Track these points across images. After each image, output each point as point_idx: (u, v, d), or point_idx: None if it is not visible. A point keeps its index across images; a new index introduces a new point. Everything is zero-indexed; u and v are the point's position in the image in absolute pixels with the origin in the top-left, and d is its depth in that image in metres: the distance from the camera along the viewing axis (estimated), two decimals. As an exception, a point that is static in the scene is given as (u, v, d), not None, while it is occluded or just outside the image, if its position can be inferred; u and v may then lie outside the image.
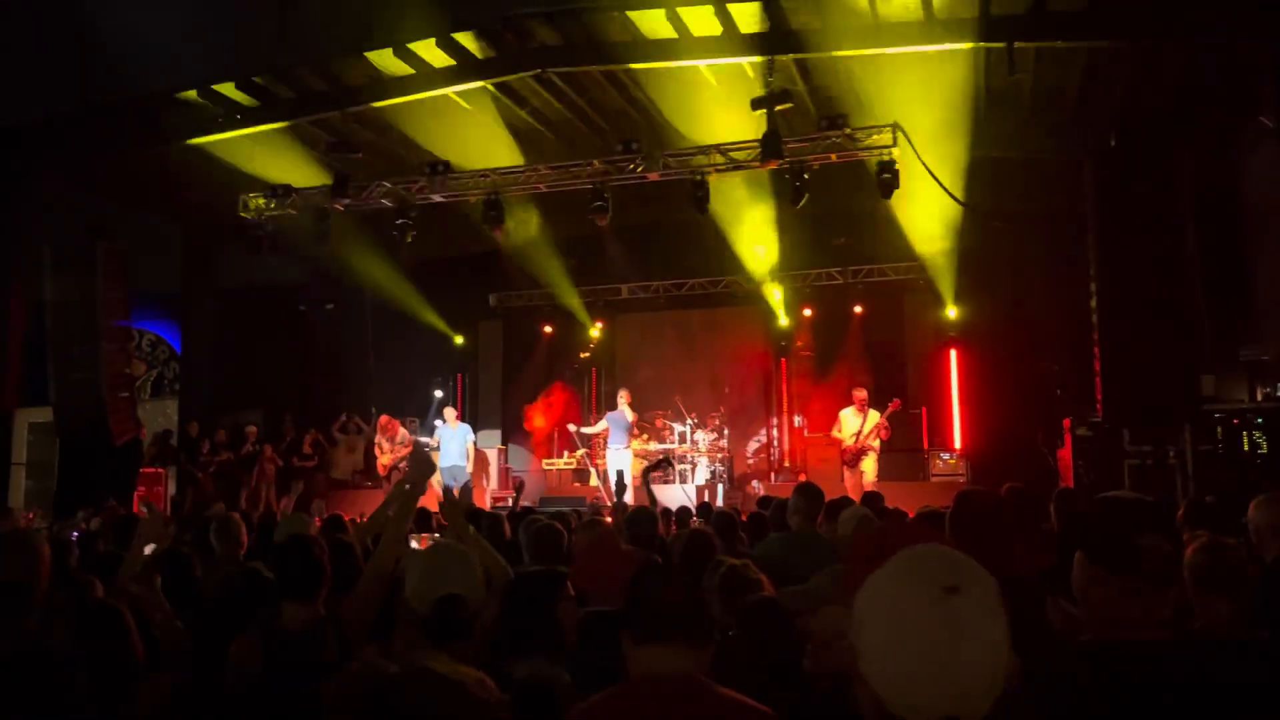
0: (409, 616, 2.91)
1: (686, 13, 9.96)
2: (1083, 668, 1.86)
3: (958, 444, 14.18)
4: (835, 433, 12.81)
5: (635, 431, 14.05)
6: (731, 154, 11.81)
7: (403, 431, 14.44)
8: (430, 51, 10.68)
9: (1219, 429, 9.74)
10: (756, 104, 10.57)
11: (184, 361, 16.14)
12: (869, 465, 12.36)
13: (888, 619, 1.35)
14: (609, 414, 14.23)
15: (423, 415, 16.91)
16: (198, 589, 4.20)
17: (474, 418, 17.81)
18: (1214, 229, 10.92)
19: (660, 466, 8.14)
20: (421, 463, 3.62)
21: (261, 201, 13.19)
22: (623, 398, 14.00)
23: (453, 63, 10.83)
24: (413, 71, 10.94)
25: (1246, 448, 9.64)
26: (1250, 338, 10.49)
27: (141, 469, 13.25)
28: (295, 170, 12.85)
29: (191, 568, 4.35)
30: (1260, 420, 9.71)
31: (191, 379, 15.78)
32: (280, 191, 12.99)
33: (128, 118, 11.88)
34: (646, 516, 4.93)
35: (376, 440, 14.48)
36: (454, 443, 13.60)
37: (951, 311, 14.30)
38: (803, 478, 13.06)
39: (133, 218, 12.86)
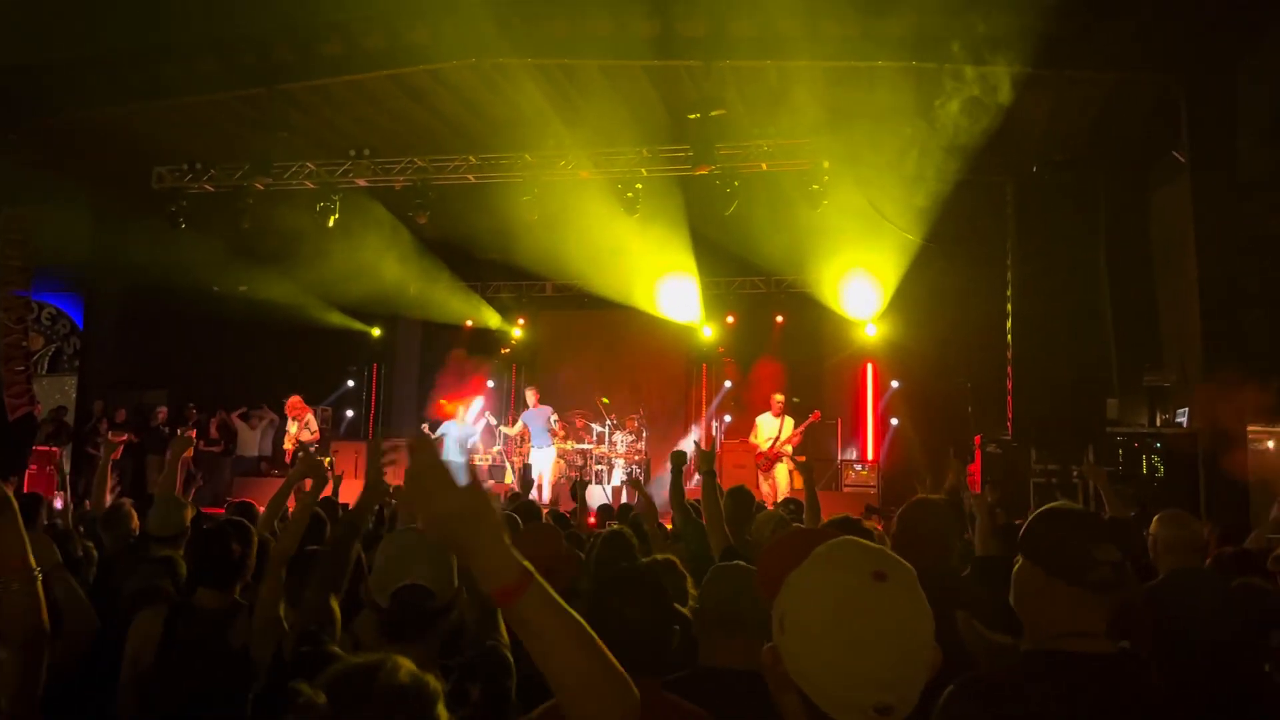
0: (371, 608, 2.59)
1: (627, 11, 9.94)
2: (1027, 677, 1.86)
3: (870, 455, 14.42)
4: (752, 438, 12.90)
5: (555, 428, 13.94)
6: (663, 156, 11.86)
7: (310, 416, 14.09)
8: (369, 34, 10.46)
9: (1120, 451, 10.08)
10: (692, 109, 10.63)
11: (86, 337, 15.48)
12: (781, 473, 12.47)
13: (818, 611, 1.32)
14: (524, 413, 14.17)
15: (335, 405, 16.57)
16: (83, 571, 4.03)
17: (388, 411, 17.52)
18: (1124, 258, 11.31)
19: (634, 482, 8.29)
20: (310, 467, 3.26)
21: (177, 175, 12.76)
22: (530, 395, 13.94)
23: (388, 45, 10.60)
24: (347, 51, 10.67)
25: (1145, 470, 10.00)
26: (1153, 364, 10.88)
27: (35, 447, 12.68)
28: (216, 146, 12.46)
29: (73, 547, 4.15)
30: (1159, 444, 10.08)
31: (93, 356, 15.15)
32: (198, 167, 12.58)
33: (39, 80, 11.36)
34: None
35: (287, 426, 14.11)
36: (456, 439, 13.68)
37: (870, 326, 14.53)
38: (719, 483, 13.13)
39: (39, 184, 12.27)
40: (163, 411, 14.17)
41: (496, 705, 2.32)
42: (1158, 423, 10.63)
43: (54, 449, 13.21)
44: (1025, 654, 1.93)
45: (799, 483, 12.29)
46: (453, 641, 2.50)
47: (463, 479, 1.30)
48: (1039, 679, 1.86)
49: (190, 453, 13.06)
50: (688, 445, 15.05)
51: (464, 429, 13.93)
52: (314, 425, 14.03)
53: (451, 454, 13.30)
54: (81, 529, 4.61)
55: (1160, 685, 1.86)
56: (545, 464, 13.31)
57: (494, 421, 15.27)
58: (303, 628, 2.68)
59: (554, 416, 13.93)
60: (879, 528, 4.73)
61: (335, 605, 2.69)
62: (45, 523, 5.10)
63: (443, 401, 14.73)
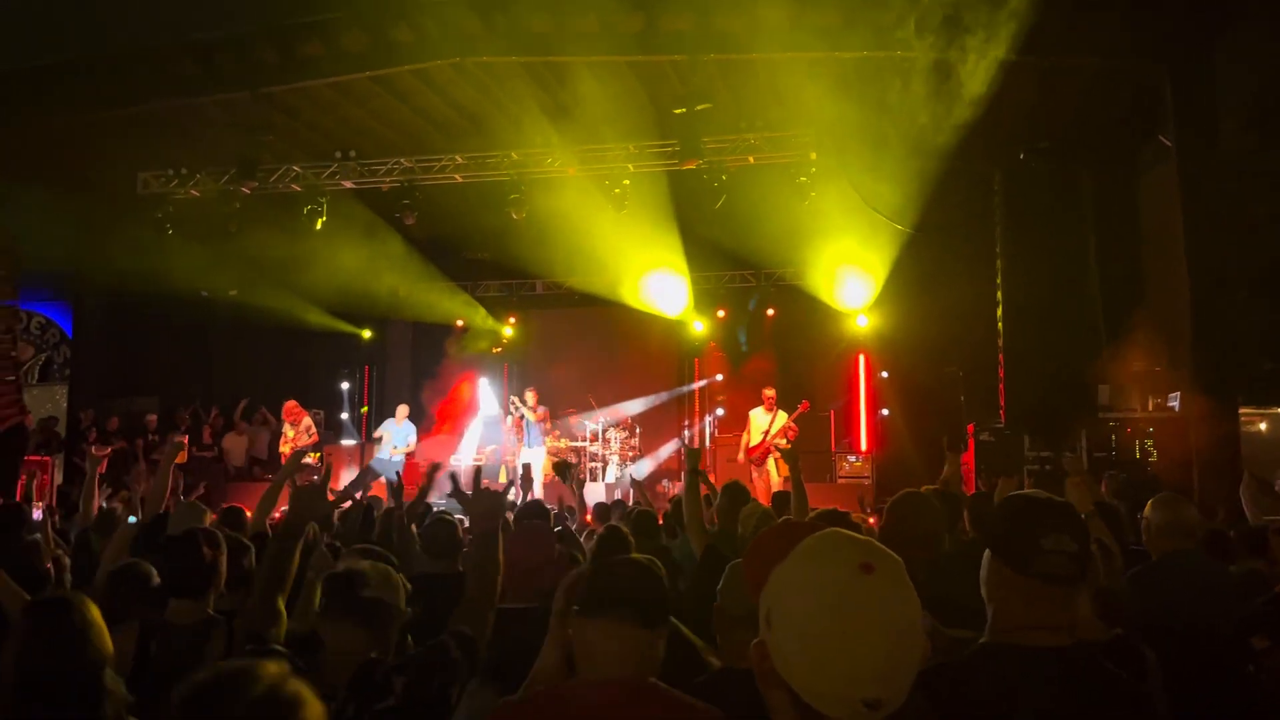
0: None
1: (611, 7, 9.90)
2: (972, 670, 1.83)
3: (864, 446, 14.41)
4: (745, 433, 12.87)
5: (546, 428, 13.97)
6: (650, 152, 11.83)
7: (307, 420, 14.05)
8: (351, 35, 10.39)
9: (1113, 436, 10.11)
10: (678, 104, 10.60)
11: (76, 346, 15.42)
12: (773, 465, 12.45)
13: (805, 605, 1.29)
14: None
15: (327, 408, 16.50)
16: (46, 585, 4.02)
17: (380, 412, 17.46)
18: (1113, 244, 11.31)
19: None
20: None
21: (163, 181, 12.69)
22: (530, 395, 13.96)
23: (370, 45, 10.55)
24: (329, 52, 10.61)
25: (1138, 455, 10.02)
26: (1143, 350, 10.89)
27: (26, 456, 12.61)
28: (200, 151, 12.39)
29: (39, 561, 4.13)
30: (1151, 429, 10.11)
31: (83, 364, 15.10)
32: (183, 172, 12.51)
33: (18, 86, 11.28)
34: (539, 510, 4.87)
35: (284, 429, 14.07)
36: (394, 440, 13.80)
37: (861, 318, 14.52)
38: (711, 478, 13.14)
39: (23, 192, 12.19)
40: (153, 418, 14.11)
41: (427, 702, 2.26)
42: (1149, 407, 10.64)
43: (45, 459, 13.17)
44: (979, 646, 1.88)
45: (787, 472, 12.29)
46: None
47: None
48: (983, 672, 1.82)
49: (183, 458, 12.98)
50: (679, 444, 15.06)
51: (401, 430, 13.92)
52: (312, 429, 13.99)
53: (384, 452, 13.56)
54: (66, 540, 4.58)
55: (1118, 677, 1.82)
56: (535, 461, 13.32)
57: (498, 411, 15.35)
58: (247, 629, 2.76)
59: (546, 420, 14.02)
60: (870, 522, 4.72)
61: (281, 606, 2.78)
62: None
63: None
